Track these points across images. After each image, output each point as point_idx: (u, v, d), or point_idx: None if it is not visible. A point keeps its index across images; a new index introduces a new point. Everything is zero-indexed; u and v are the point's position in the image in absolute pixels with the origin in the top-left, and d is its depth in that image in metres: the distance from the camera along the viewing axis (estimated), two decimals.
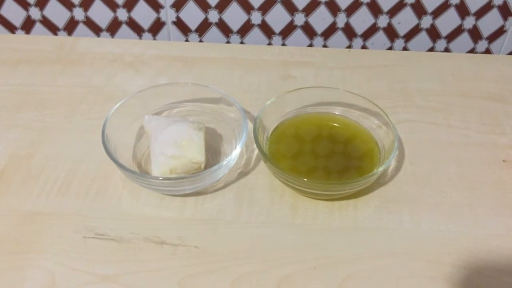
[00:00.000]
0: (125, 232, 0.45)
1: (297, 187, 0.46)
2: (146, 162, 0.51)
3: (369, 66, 0.66)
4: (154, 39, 0.76)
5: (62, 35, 0.75)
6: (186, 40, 0.76)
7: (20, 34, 0.75)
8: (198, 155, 0.47)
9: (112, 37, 0.76)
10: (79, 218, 0.46)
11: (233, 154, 0.46)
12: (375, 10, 0.71)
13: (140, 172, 0.50)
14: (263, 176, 0.51)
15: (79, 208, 0.47)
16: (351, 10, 0.72)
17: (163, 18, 0.74)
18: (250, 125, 0.54)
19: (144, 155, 0.52)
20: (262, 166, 0.52)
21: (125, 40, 0.71)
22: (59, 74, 0.63)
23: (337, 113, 0.53)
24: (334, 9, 0.72)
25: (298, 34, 0.75)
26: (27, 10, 0.73)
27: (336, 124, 0.52)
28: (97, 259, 0.43)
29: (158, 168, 0.47)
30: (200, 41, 0.76)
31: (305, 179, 0.45)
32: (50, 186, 0.49)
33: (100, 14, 0.73)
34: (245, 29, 0.75)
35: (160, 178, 0.46)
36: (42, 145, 0.53)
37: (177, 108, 0.55)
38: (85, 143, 0.54)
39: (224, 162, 0.46)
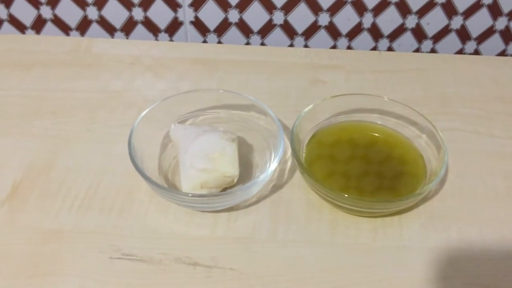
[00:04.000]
0: (154, 252, 0.42)
1: (338, 203, 0.43)
2: (173, 174, 0.48)
3: (401, 69, 0.62)
4: (171, 39, 0.73)
5: (75, 35, 0.72)
6: (204, 41, 0.73)
7: (30, 34, 0.72)
8: (231, 169, 0.44)
9: (127, 38, 0.73)
10: (103, 237, 0.43)
11: (269, 170, 0.43)
12: (404, 10, 0.68)
13: (167, 185, 0.47)
14: (299, 189, 0.47)
15: (103, 226, 0.44)
16: (378, 10, 0.68)
17: (180, 18, 0.70)
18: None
19: (171, 167, 0.49)
20: (297, 179, 0.48)
21: (143, 41, 0.67)
22: (75, 78, 0.59)
23: (378, 122, 0.50)
24: (360, 8, 0.68)
25: (322, 34, 0.72)
26: (38, 8, 0.69)
27: (377, 134, 0.49)
28: (125, 282, 0.40)
29: (188, 182, 0.44)
30: (219, 41, 0.73)
31: (346, 195, 0.42)
32: (70, 201, 0.46)
33: (115, 13, 0.70)
34: (266, 30, 0.72)
35: (190, 195, 0.43)
36: (61, 156, 0.50)
37: (203, 116, 0.52)
38: (107, 153, 0.50)
39: (260, 179, 0.42)
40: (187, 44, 0.68)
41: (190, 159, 0.44)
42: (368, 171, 0.46)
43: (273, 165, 0.43)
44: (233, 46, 0.67)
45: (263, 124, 0.50)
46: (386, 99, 0.48)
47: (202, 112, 0.52)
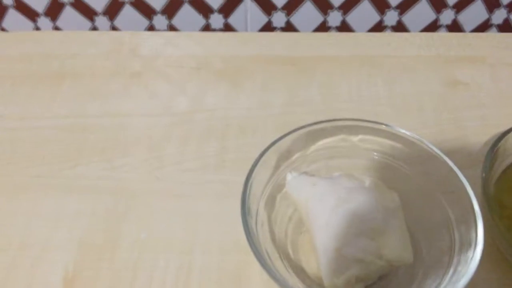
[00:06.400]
0: None
1: None
2: (295, 249, 0.33)
3: None
4: (226, 20, 0.56)
5: (102, 21, 0.55)
6: (269, 21, 0.57)
7: (44, 22, 0.54)
8: (403, 252, 0.29)
9: (169, 21, 0.56)
10: None
11: (471, 269, 0.27)
12: None
13: (291, 266, 0.32)
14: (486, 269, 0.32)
15: None
16: None
17: None
18: None
19: (288, 236, 0.33)
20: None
21: (206, 34, 0.50)
22: (122, 94, 0.43)
23: None
24: None
25: (423, 5, 0.55)
26: None
27: None
28: None
29: (336, 274, 0.29)
30: (287, 21, 0.57)
31: None
32: None
33: None
34: (350, 3, 0.55)
35: None
36: (126, 223, 0.34)
37: (320, 151, 0.36)
38: (190, 215, 0.35)
39: (460, 284, 0.26)
40: (266, 35, 0.51)
41: (336, 239, 0.29)
42: None
43: (476, 255, 0.27)
44: (326, 35, 0.51)
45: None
46: None
47: (322, 147, 0.36)
